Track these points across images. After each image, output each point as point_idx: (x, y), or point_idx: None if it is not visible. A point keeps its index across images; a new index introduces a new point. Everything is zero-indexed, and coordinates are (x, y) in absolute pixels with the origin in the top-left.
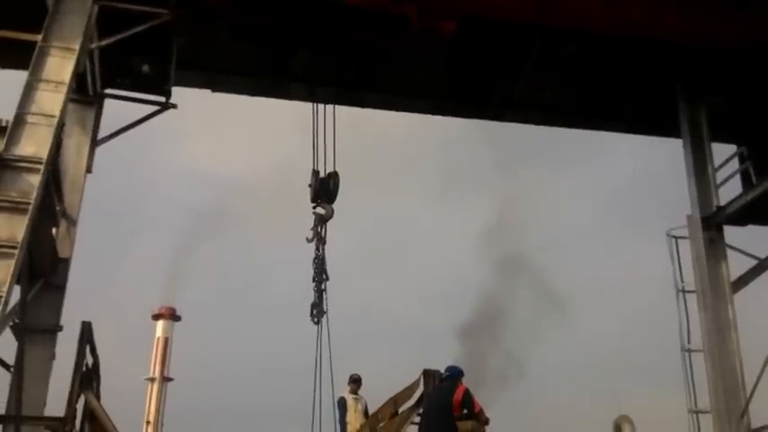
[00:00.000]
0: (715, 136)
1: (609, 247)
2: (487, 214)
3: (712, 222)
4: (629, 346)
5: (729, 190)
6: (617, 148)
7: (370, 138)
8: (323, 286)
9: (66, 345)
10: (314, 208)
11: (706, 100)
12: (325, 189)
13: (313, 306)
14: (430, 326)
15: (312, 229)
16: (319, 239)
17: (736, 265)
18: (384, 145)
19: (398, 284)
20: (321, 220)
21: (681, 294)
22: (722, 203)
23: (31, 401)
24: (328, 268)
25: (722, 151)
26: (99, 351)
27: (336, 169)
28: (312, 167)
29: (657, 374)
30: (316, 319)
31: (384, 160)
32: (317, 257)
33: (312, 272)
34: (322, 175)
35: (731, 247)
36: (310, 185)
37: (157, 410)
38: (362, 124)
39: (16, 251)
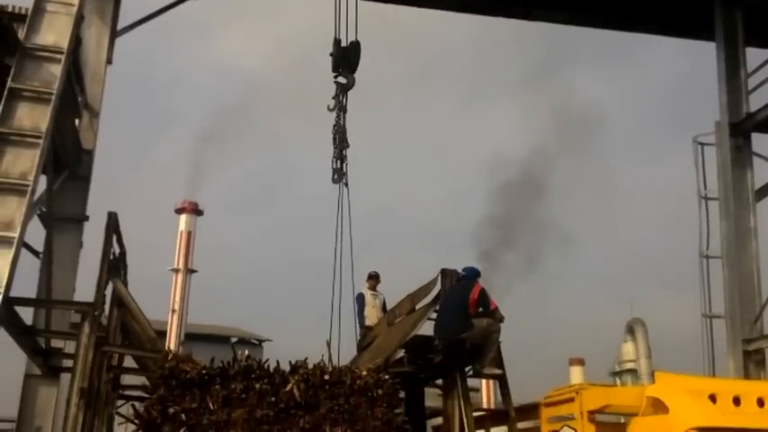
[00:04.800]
0: (749, 40)
1: (640, 155)
2: (519, 119)
3: (740, 129)
4: (648, 254)
5: (760, 97)
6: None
7: (401, 42)
8: (344, 152)
9: (94, 235)
10: (335, 77)
11: (742, 3)
12: (346, 58)
13: (334, 171)
14: (452, 228)
15: (334, 98)
16: (340, 108)
17: (761, 174)
18: (415, 49)
19: (423, 187)
20: (342, 90)
21: (703, 201)
22: (752, 110)
23: (60, 287)
24: (349, 138)
25: (756, 56)
26: (125, 242)
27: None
28: (334, 36)
29: (673, 281)
30: (335, 177)
31: (414, 64)
32: (336, 125)
33: (332, 141)
34: (344, 44)
35: (758, 155)
36: (331, 54)
37: (182, 300)
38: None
39: (41, 141)
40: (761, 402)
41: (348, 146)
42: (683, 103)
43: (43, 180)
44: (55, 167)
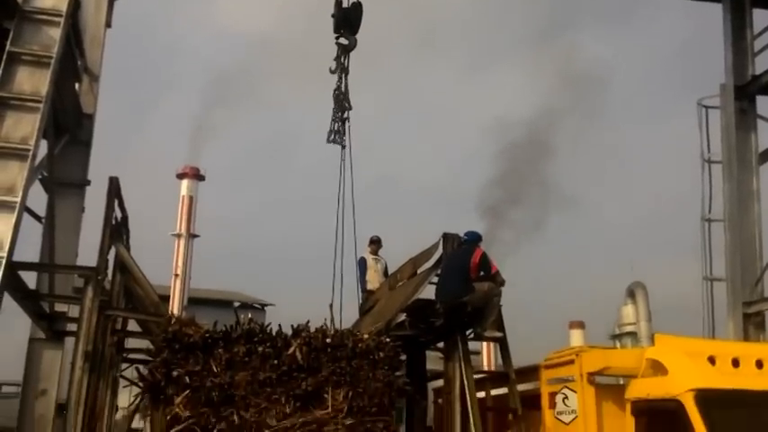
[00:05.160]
0: (756, 2)
1: (645, 118)
2: (523, 82)
3: (745, 92)
4: (650, 216)
5: (766, 59)
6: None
7: (403, 3)
8: (345, 115)
9: (96, 200)
10: (337, 39)
11: None
12: (347, 19)
13: (331, 132)
14: (456, 194)
15: (335, 59)
16: (342, 70)
17: (765, 137)
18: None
19: (426, 152)
20: (344, 51)
21: (706, 165)
22: (757, 73)
23: (63, 252)
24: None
25: (762, 18)
26: (127, 207)
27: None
28: None
29: (674, 245)
30: (333, 137)
31: (417, 26)
32: (338, 88)
33: (333, 104)
34: (345, 5)
35: (762, 118)
36: (333, 15)
37: (185, 264)
38: None
39: (41, 105)
40: (759, 364)
41: (350, 108)
42: (689, 66)
43: (44, 145)
44: (56, 132)
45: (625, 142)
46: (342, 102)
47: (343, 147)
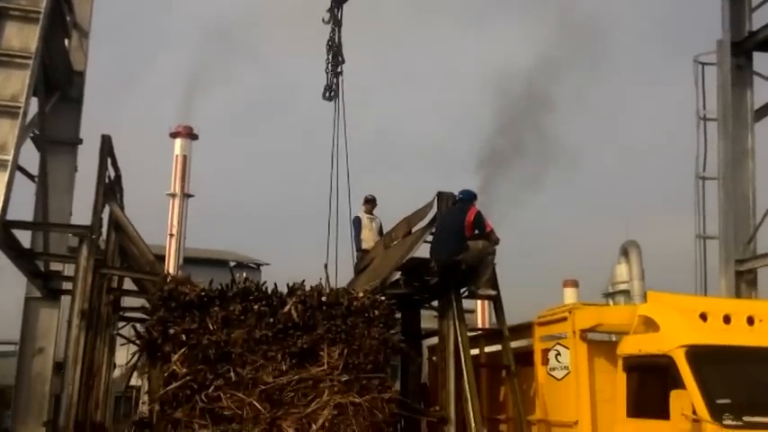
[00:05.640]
0: None
1: (642, 74)
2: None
3: (742, 48)
4: (645, 175)
5: (764, 15)
6: None
7: None
8: (339, 69)
9: (89, 160)
10: None
11: None
12: None
13: (326, 88)
14: (452, 151)
15: (328, 10)
16: (335, 22)
17: (761, 94)
18: None
19: (424, 108)
20: (337, 2)
21: (701, 122)
22: (755, 29)
23: (56, 211)
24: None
25: None
26: (122, 168)
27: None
28: None
29: (668, 204)
30: (328, 94)
31: None
32: (331, 39)
33: (326, 57)
34: None
35: (758, 75)
36: None
37: (180, 224)
38: None
39: (31, 61)
40: (750, 320)
41: (344, 61)
42: (686, 22)
43: (35, 102)
44: (46, 89)
45: (622, 99)
46: (336, 54)
47: (337, 100)
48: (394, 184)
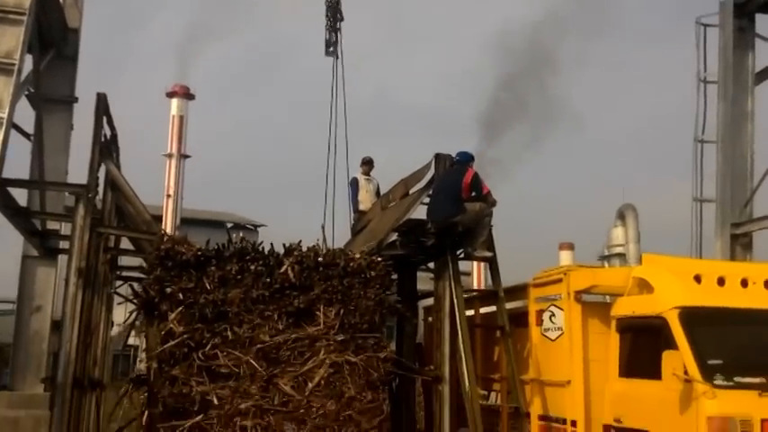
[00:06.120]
0: None
1: (644, 37)
2: None
3: (745, 10)
4: (644, 138)
5: None
6: None
7: None
8: (338, 26)
9: (85, 120)
10: None
11: None
12: None
13: (327, 43)
14: (450, 114)
15: None
16: None
17: (762, 57)
18: None
19: (424, 69)
20: None
21: (702, 84)
22: None
23: (53, 170)
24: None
25: None
26: (119, 129)
27: None
28: None
29: (665, 167)
30: (329, 49)
31: None
32: None
33: (325, 14)
34: None
35: (760, 37)
36: None
37: (177, 185)
38: None
39: (25, 17)
40: (744, 283)
41: (342, 19)
42: None
43: (29, 60)
44: (41, 46)
45: (624, 61)
46: (335, 11)
47: (336, 57)
48: (392, 146)
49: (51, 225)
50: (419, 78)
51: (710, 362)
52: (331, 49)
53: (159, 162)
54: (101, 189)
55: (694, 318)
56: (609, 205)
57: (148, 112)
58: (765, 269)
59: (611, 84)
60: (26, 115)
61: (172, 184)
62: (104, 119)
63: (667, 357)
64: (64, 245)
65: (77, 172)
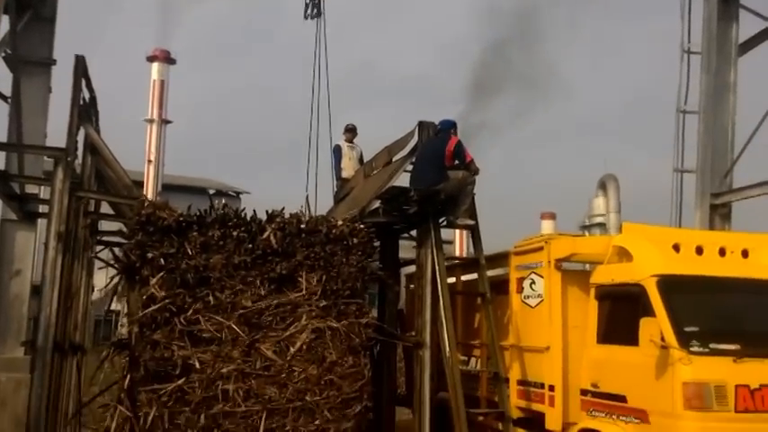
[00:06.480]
0: None
1: (629, 9)
2: None
3: None
4: (626, 109)
5: None
6: None
7: None
8: None
9: (64, 83)
10: None
11: None
12: None
13: (308, 5)
14: (436, 83)
15: None
16: None
17: (746, 28)
18: None
19: (407, 38)
20: None
21: (685, 55)
22: None
23: (31, 133)
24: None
25: None
26: (99, 92)
27: None
28: None
29: (647, 139)
30: (310, 12)
31: None
32: None
33: None
34: None
35: (744, 8)
36: None
37: (158, 150)
38: None
39: None
40: (722, 252)
41: None
42: None
43: (6, 21)
44: (17, 7)
45: (609, 33)
46: None
47: (319, 15)
48: (377, 115)
49: (30, 189)
50: (405, 46)
51: (687, 329)
52: (315, 11)
53: (141, 128)
54: (80, 153)
55: (672, 285)
56: (592, 176)
57: (129, 77)
58: (743, 238)
59: (597, 55)
60: (3, 77)
61: (153, 149)
62: (83, 81)
63: (645, 324)
64: (43, 209)
65: (56, 136)
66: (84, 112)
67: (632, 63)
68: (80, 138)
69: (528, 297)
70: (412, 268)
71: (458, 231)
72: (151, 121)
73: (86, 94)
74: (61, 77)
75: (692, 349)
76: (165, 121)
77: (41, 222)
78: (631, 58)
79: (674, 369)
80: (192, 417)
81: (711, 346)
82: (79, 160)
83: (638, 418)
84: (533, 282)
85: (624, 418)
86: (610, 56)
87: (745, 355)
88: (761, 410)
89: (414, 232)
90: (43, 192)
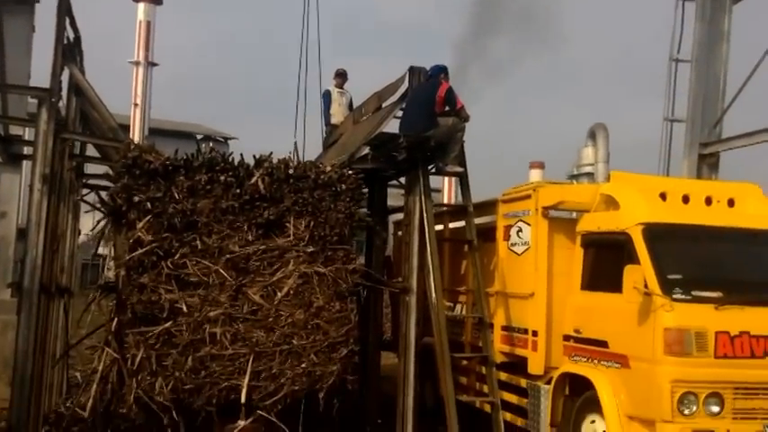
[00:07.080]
0: None
1: None
2: None
3: None
4: (619, 58)
5: None
6: None
7: None
8: None
9: (49, 23)
10: None
11: None
12: None
13: None
14: (427, 30)
15: None
16: None
17: None
18: None
19: None
20: None
21: (680, 2)
22: None
23: (14, 73)
24: None
25: None
26: (82, 29)
27: None
28: None
29: (639, 86)
30: None
31: None
32: None
33: None
34: None
35: None
36: None
37: (144, 94)
38: None
39: None
40: (708, 201)
41: None
42: None
43: None
44: None
45: None
46: None
47: None
48: (367, 63)
49: (14, 130)
50: None
51: (670, 276)
52: None
53: (127, 70)
54: (65, 94)
55: (657, 234)
56: (581, 125)
57: (116, 17)
58: (730, 188)
59: (592, 1)
60: None
61: (139, 92)
62: (67, 20)
63: (629, 271)
64: (28, 151)
65: (40, 77)
66: (69, 51)
67: (627, 10)
68: (65, 79)
69: (514, 245)
70: (400, 215)
71: (446, 180)
72: (137, 63)
73: (71, 34)
74: (45, 17)
75: (674, 296)
76: (151, 64)
77: (26, 164)
78: (626, 4)
79: (656, 315)
80: (179, 359)
81: (694, 293)
82: (64, 102)
83: (618, 363)
84: (520, 230)
85: (605, 363)
86: (605, 3)
87: (726, 302)
88: (739, 356)
89: (402, 179)
90: (28, 133)
